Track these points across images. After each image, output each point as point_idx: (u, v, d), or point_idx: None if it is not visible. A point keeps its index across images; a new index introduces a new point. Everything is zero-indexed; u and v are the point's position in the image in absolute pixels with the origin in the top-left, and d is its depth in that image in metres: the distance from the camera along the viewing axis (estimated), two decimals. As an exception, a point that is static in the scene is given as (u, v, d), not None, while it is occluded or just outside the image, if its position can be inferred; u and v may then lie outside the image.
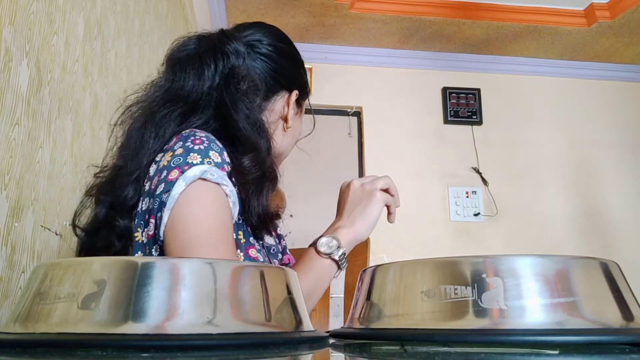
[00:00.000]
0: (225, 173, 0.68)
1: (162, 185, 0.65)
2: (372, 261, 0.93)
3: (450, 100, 2.97)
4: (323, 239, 0.76)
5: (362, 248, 1.17)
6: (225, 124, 0.75)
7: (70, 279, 0.32)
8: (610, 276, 0.34)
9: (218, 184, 0.67)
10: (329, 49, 2.92)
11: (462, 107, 2.97)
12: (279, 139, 0.84)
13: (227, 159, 0.70)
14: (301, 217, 2.50)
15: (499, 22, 2.70)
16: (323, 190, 2.69)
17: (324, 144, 2.83)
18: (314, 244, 0.77)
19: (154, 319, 0.30)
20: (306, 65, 0.89)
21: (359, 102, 2.95)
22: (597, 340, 0.30)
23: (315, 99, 3.02)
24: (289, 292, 0.37)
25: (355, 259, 1.17)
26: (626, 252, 2.79)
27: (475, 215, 2.81)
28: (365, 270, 0.41)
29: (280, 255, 0.87)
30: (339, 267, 0.77)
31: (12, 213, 0.68)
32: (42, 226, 0.76)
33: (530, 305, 0.31)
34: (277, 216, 0.81)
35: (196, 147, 0.68)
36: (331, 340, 0.40)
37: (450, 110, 2.96)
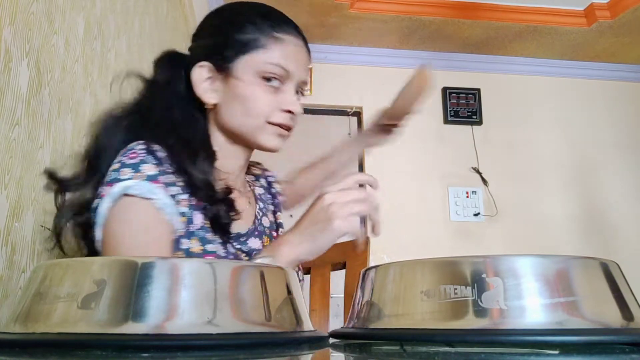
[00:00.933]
0: (158, 185, 0.67)
1: (96, 201, 0.67)
2: (372, 261, 0.93)
3: (450, 100, 2.97)
4: (258, 259, 0.69)
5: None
6: (146, 118, 0.76)
7: (70, 279, 0.32)
8: (610, 276, 0.34)
9: (147, 198, 0.66)
10: (329, 49, 2.92)
11: (462, 107, 2.97)
12: (218, 119, 0.80)
13: (169, 169, 0.70)
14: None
15: (499, 22, 2.70)
16: (323, 190, 2.69)
17: (324, 144, 2.82)
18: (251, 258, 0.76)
19: (154, 319, 0.30)
20: (238, 63, 0.83)
21: (359, 102, 2.95)
22: (597, 340, 0.30)
23: (315, 99, 3.03)
24: (289, 292, 0.37)
25: (355, 259, 1.17)
26: (626, 252, 2.79)
27: (475, 215, 2.81)
28: (365, 270, 0.41)
29: (253, 238, 0.82)
30: None
31: (12, 213, 0.68)
32: (42, 226, 0.76)
33: (530, 305, 0.31)
34: (227, 192, 0.75)
35: (129, 162, 0.68)
36: (331, 340, 0.40)
37: (450, 110, 2.96)
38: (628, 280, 0.35)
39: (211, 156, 0.77)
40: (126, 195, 0.66)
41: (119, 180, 0.66)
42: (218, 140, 0.81)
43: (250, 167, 0.97)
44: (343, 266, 1.18)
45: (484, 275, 0.32)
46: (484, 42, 2.89)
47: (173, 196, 0.69)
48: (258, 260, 0.67)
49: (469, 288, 0.32)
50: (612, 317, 0.32)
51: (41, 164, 0.76)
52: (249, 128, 0.78)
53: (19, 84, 0.69)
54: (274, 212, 0.94)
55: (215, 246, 0.74)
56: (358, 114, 2.98)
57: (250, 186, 0.92)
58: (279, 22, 0.79)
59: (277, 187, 0.99)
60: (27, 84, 0.72)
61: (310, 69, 3.18)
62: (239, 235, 0.78)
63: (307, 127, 2.78)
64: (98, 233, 0.67)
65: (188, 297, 0.31)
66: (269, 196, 0.96)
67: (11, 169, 0.68)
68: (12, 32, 0.67)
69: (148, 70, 0.83)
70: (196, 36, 0.84)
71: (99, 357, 0.29)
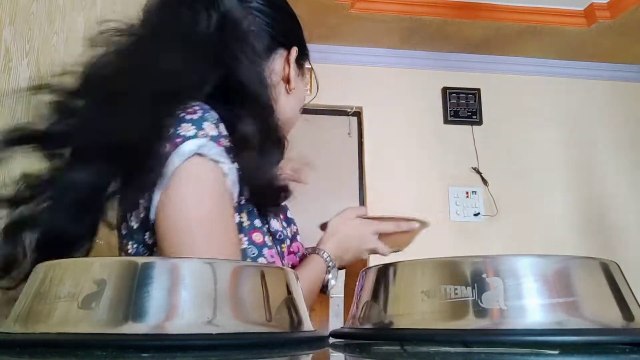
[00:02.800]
0: (222, 148, 0.60)
1: (153, 162, 0.58)
2: (372, 261, 0.93)
3: (450, 100, 2.97)
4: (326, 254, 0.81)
5: (362, 248, 1.17)
6: (226, 77, 0.66)
7: (70, 278, 0.32)
8: (610, 276, 0.34)
9: (216, 161, 0.59)
10: (329, 49, 2.91)
11: (462, 107, 2.97)
12: (283, 103, 0.76)
13: (225, 132, 0.62)
14: (301, 216, 2.50)
15: (499, 22, 2.70)
16: (323, 190, 2.69)
17: (324, 144, 2.83)
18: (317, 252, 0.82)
19: (154, 319, 0.30)
20: (307, 65, 0.87)
21: (359, 102, 2.95)
22: (597, 340, 0.30)
23: (315, 99, 3.03)
24: (289, 292, 0.37)
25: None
26: (626, 252, 2.79)
27: (475, 215, 2.80)
28: (365, 270, 0.41)
29: (288, 241, 0.79)
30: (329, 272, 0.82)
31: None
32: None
33: (530, 305, 0.31)
34: (286, 190, 0.70)
35: (188, 117, 0.60)
36: (331, 340, 0.40)
37: (450, 110, 2.96)
38: (628, 280, 0.35)
39: (281, 143, 0.76)
40: (198, 154, 0.58)
41: (185, 137, 0.58)
42: None
43: None
44: (343, 266, 1.18)
45: (484, 275, 0.32)
46: (484, 42, 2.89)
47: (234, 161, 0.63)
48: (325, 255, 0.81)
49: (469, 288, 0.32)
50: (612, 317, 0.32)
51: (41, 164, 0.76)
52: (294, 122, 0.83)
53: (19, 84, 0.69)
54: None
55: (259, 222, 0.70)
56: (358, 114, 2.98)
57: None
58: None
59: None
60: (27, 84, 0.72)
61: (310, 69, 3.18)
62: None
63: (307, 127, 2.78)
64: (156, 197, 0.58)
65: (188, 297, 0.31)
66: None
67: (11, 169, 0.68)
68: (12, 32, 0.67)
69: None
70: (270, 6, 0.77)
71: (99, 357, 0.29)
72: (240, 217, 0.67)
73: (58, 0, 0.82)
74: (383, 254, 0.87)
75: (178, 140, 0.58)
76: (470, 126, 2.95)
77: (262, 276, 0.35)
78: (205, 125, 0.60)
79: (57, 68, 0.82)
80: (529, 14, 2.69)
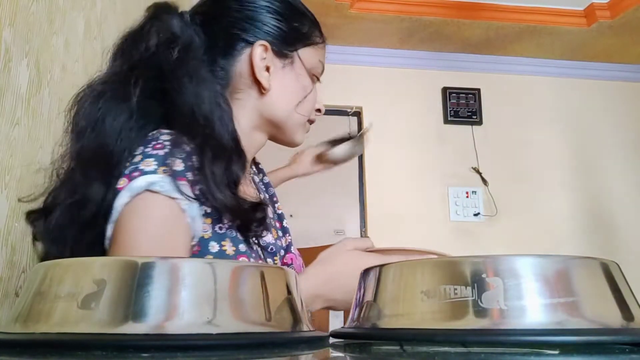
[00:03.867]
0: (185, 183, 0.59)
1: (109, 195, 0.58)
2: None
3: (450, 100, 2.97)
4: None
5: (362, 248, 1.17)
6: (164, 100, 0.65)
7: (70, 278, 0.32)
8: (610, 276, 0.34)
9: (171, 197, 0.58)
10: (329, 49, 2.90)
11: (462, 107, 2.97)
12: (267, 103, 0.72)
13: (197, 164, 0.61)
14: (301, 217, 2.50)
15: (499, 22, 2.70)
16: (323, 190, 2.69)
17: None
18: None
19: (154, 319, 0.30)
20: (301, 50, 0.80)
21: (359, 102, 2.95)
22: (597, 340, 0.30)
23: (315, 99, 3.03)
24: (289, 292, 0.37)
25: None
26: (626, 252, 2.79)
27: (475, 215, 2.81)
28: (365, 270, 0.41)
29: (282, 252, 0.77)
30: None
31: (12, 213, 0.68)
32: (42, 226, 0.76)
33: (530, 305, 0.31)
34: (258, 207, 0.66)
35: (154, 152, 0.60)
36: (331, 340, 0.40)
37: (450, 110, 2.96)
38: (628, 280, 0.35)
39: (243, 159, 0.66)
40: (149, 191, 0.57)
41: (143, 172, 0.58)
42: (241, 127, 0.70)
43: None
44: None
45: (484, 275, 0.32)
46: (484, 42, 2.89)
47: (198, 195, 0.61)
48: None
49: (469, 288, 0.32)
50: (612, 317, 0.32)
51: (41, 164, 0.76)
52: (294, 122, 0.75)
53: (19, 84, 0.69)
54: (274, 202, 0.87)
55: (245, 245, 0.67)
56: (358, 114, 2.98)
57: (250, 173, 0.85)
58: (317, 21, 0.81)
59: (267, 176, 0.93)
60: (27, 84, 0.72)
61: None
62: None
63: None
64: (109, 230, 0.58)
65: (188, 297, 0.31)
66: (262, 185, 0.89)
67: (11, 169, 0.68)
68: (12, 32, 0.67)
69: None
70: (239, 4, 0.74)
71: (99, 357, 0.29)
72: (222, 246, 0.64)
73: (58, 0, 0.82)
74: None
75: (135, 174, 0.58)
76: (470, 126, 2.95)
77: (262, 276, 0.35)
78: (170, 161, 0.59)
79: (56, 68, 0.82)
80: (529, 14, 2.69)
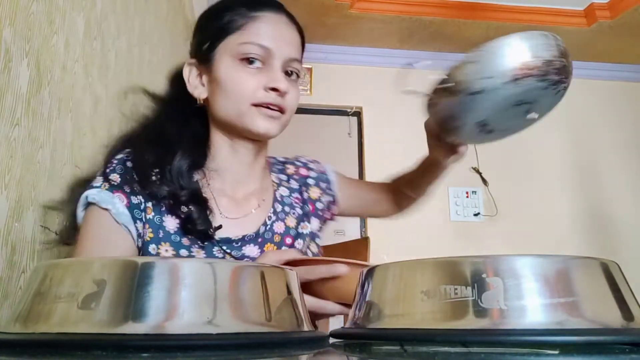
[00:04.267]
0: (117, 195, 0.71)
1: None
2: (372, 261, 0.93)
3: (450, 100, 2.97)
4: None
5: (362, 248, 1.17)
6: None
7: (70, 279, 0.32)
8: (610, 276, 0.34)
9: (104, 208, 0.70)
10: (329, 49, 2.92)
11: (462, 107, 2.97)
12: (215, 110, 0.77)
13: (135, 177, 0.73)
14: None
15: (499, 22, 2.70)
16: (323, 190, 2.69)
17: (324, 144, 2.83)
18: None
19: (154, 319, 0.30)
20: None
21: (359, 102, 2.95)
22: (597, 340, 0.30)
23: (316, 99, 3.03)
24: (289, 292, 0.37)
25: (355, 259, 1.17)
26: (626, 252, 2.79)
27: (475, 215, 2.80)
28: (365, 270, 0.41)
29: (289, 239, 0.79)
30: None
31: (12, 213, 0.68)
32: (42, 226, 0.76)
33: (530, 305, 0.31)
34: (194, 197, 0.73)
35: (104, 171, 0.73)
36: (331, 340, 0.40)
37: (450, 110, 2.96)
38: (628, 280, 0.35)
39: (192, 156, 0.76)
40: (90, 203, 0.71)
41: (91, 187, 0.72)
42: (216, 139, 0.79)
43: (286, 165, 0.91)
44: None
45: (484, 275, 0.32)
46: (484, 42, 2.88)
47: (137, 205, 0.72)
48: None
49: (469, 288, 0.32)
50: (612, 317, 0.32)
51: (41, 164, 0.76)
52: (235, 114, 0.73)
53: (19, 84, 0.69)
54: (300, 219, 0.83)
55: (196, 250, 0.73)
56: (358, 114, 2.98)
57: (273, 186, 0.84)
58: (255, 1, 0.76)
59: (313, 192, 0.88)
60: (27, 84, 0.72)
61: (310, 69, 3.18)
62: (229, 240, 0.74)
63: (307, 127, 2.78)
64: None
65: (188, 297, 0.31)
66: (298, 201, 0.85)
67: (11, 169, 0.68)
68: (12, 32, 0.67)
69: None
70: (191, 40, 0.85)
71: (99, 357, 0.29)
72: (159, 249, 0.72)
73: (58, 0, 0.82)
74: (324, 312, 0.62)
75: (87, 190, 0.72)
76: (470, 126, 2.95)
77: (262, 276, 0.35)
78: (112, 176, 0.72)
79: (57, 68, 0.82)
80: (529, 14, 2.69)
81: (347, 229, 2.75)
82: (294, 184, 0.88)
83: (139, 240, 0.72)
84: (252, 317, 0.33)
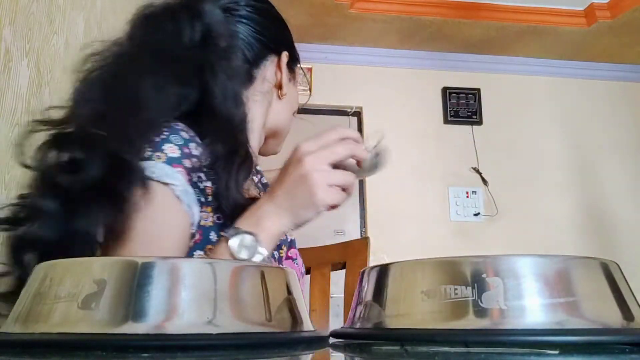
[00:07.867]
0: (179, 170, 0.60)
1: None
2: (372, 261, 0.93)
3: (450, 100, 2.97)
4: (236, 239, 0.58)
5: (362, 248, 1.17)
6: (203, 91, 0.66)
7: (70, 279, 0.32)
8: (610, 276, 0.34)
9: (165, 183, 0.59)
10: (329, 49, 2.91)
11: (462, 107, 2.97)
12: (276, 109, 0.78)
13: (195, 151, 0.62)
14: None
15: (499, 22, 2.70)
16: (323, 190, 2.68)
17: (324, 144, 2.82)
18: (225, 238, 0.59)
19: (154, 319, 0.30)
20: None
21: (359, 102, 2.95)
22: (597, 340, 0.30)
23: (316, 99, 3.03)
24: (289, 292, 0.37)
25: (355, 258, 1.17)
26: (626, 252, 2.79)
27: (475, 215, 2.81)
28: (365, 270, 0.41)
29: (286, 246, 0.78)
30: None
31: (12, 213, 0.68)
32: (42, 226, 0.76)
33: (530, 305, 0.31)
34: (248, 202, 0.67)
35: (155, 139, 0.61)
36: (331, 340, 0.40)
37: (450, 110, 2.96)
38: (628, 280, 0.35)
39: (249, 161, 0.67)
40: (146, 178, 0.58)
41: (142, 158, 0.59)
42: (254, 127, 0.75)
43: None
44: (343, 266, 1.18)
45: (484, 275, 0.32)
46: (484, 42, 2.89)
47: (196, 183, 0.62)
48: (235, 240, 0.57)
49: (469, 288, 0.32)
50: (612, 317, 0.32)
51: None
52: (287, 131, 0.82)
53: (19, 84, 0.69)
54: None
55: None
56: (358, 114, 2.98)
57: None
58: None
59: (266, 176, 0.90)
60: (27, 84, 0.72)
61: (310, 69, 3.18)
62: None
63: (307, 127, 2.78)
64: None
65: (188, 297, 0.31)
66: (261, 185, 0.87)
67: (11, 169, 0.68)
68: (12, 32, 0.67)
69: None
70: (258, 13, 0.76)
71: (99, 357, 0.29)
72: (221, 236, 0.64)
73: (58, 0, 0.82)
74: (346, 184, 0.63)
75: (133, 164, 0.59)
76: (470, 126, 2.95)
77: (262, 276, 0.35)
78: (166, 147, 0.60)
79: (57, 68, 0.82)
80: (529, 14, 2.69)
81: (347, 229, 2.75)
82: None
83: (192, 225, 0.63)
84: (252, 317, 0.33)
